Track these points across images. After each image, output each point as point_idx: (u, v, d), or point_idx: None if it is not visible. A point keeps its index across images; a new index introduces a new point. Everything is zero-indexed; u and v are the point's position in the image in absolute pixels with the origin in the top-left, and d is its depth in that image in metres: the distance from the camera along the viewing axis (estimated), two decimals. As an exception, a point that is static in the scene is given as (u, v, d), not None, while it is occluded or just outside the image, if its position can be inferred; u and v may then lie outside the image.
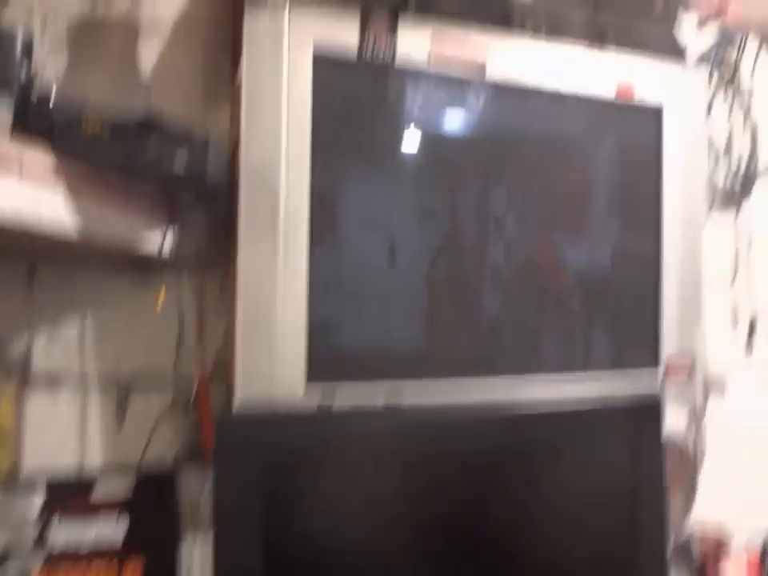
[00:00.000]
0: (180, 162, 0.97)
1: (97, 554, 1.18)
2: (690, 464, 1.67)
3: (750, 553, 1.70)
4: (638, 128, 1.41)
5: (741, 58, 1.71)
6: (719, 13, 1.55)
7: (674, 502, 1.64)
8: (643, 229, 1.42)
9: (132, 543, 1.19)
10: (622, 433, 1.05)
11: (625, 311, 1.39)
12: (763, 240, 1.76)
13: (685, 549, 1.59)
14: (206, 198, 1.16)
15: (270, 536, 0.82)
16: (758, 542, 1.76)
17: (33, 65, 0.97)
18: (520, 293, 1.31)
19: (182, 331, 1.25)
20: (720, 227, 1.73)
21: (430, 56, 1.20)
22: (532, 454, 1.01)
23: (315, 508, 0.86)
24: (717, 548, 1.60)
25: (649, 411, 1.06)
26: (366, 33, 1.11)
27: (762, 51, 1.73)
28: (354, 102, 1.20)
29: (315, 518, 0.86)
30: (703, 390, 1.66)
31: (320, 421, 0.96)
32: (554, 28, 1.31)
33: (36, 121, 0.92)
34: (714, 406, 1.71)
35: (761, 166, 1.73)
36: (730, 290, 1.74)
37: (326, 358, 1.15)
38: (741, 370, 1.77)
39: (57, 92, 1.00)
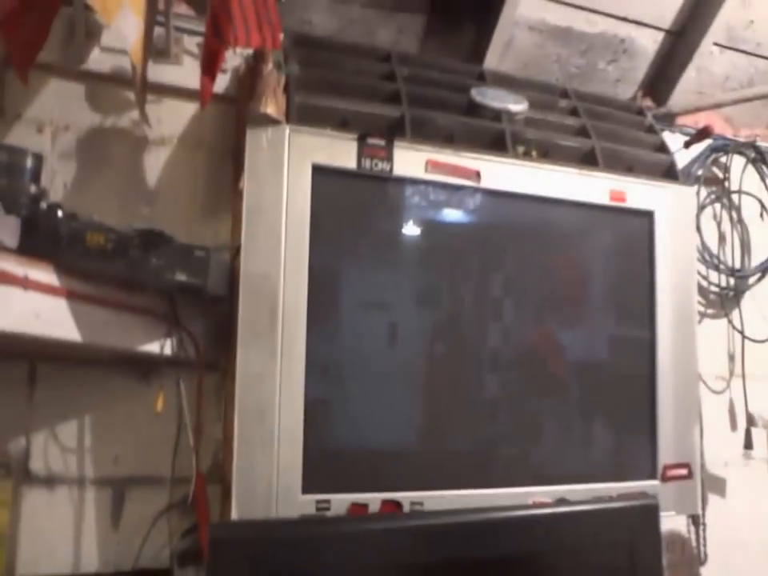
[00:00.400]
0: (181, 273, 1.00)
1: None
2: (693, 561, 1.64)
3: None
4: (631, 229, 1.44)
5: (728, 171, 1.78)
6: (706, 132, 1.62)
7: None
8: (638, 325, 1.43)
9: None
10: (620, 535, 1.03)
11: (621, 418, 1.40)
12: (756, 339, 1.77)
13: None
14: (206, 305, 1.19)
15: None
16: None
17: (41, 180, 1.01)
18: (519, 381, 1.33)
19: (180, 433, 1.26)
20: (714, 329, 1.77)
21: (426, 166, 1.25)
22: (530, 557, 0.99)
23: None
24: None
25: (646, 514, 1.04)
26: (363, 153, 1.16)
27: (748, 166, 1.79)
28: (352, 206, 1.24)
29: None
30: (702, 490, 1.64)
31: (314, 528, 0.95)
32: (544, 153, 1.36)
33: (43, 235, 0.95)
34: (714, 505, 1.69)
35: (752, 270, 1.77)
36: (727, 390, 1.75)
37: (323, 469, 1.15)
38: (740, 469, 1.75)
39: (64, 203, 1.04)
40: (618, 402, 1.40)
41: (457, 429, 1.28)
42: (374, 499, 1.15)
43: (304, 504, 1.11)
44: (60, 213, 0.99)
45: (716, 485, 1.69)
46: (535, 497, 1.22)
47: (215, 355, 1.28)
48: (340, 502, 1.13)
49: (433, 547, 0.93)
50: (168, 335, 1.12)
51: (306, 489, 1.12)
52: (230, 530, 0.88)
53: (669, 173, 1.49)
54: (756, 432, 1.71)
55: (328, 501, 1.12)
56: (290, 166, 1.15)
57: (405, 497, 1.16)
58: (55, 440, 1.25)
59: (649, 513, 1.06)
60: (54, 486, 1.23)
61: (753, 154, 1.79)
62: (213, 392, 1.29)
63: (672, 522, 1.62)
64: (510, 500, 1.19)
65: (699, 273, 1.69)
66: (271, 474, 1.12)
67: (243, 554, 0.83)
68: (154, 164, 1.32)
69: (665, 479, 1.41)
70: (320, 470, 1.14)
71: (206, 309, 1.22)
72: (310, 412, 1.12)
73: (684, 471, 1.44)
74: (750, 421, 1.71)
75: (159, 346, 1.14)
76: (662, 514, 1.43)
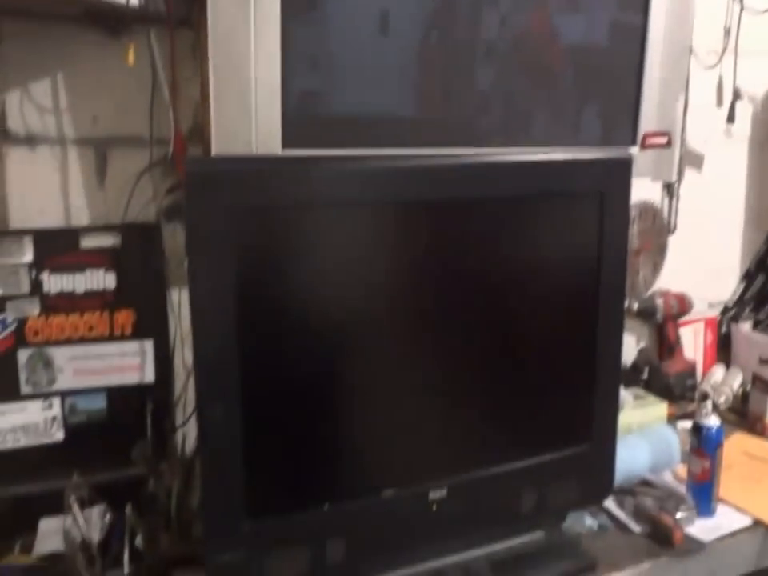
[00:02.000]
0: None
1: (89, 305, 1.26)
2: (662, 230, 1.73)
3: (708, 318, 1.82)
4: None
5: None
6: None
7: (644, 265, 1.72)
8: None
9: (122, 297, 1.27)
10: (592, 187, 1.07)
11: (609, 86, 1.37)
12: (755, 12, 1.68)
13: (649, 309, 1.70)
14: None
15: (244, 280, 0.87)
16: (716, 311, 1.87)
17: None
18: (512, 64, 1.28)
19: (155, 90, 1.24)
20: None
21: None
22: (505, 202, 1.02)
23: (288, 254, 0.90)
24: (678, 310, 1.71)
25: (619, 167, 1.07)
26: None
27: None
28: None
29: (288, 264, 0.91)
30: (681, 164, 1.68)
31: (294, 165, 0.93)
32: None
33: None
34: (690, 179, 1.74)
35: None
36: (718, 66, 1.70)
37: (304, 122, 1.14)
38: (720, 147, 1.77)
39: None
40: (608, 81, 1.37)
41: (449, 119, 1.25)
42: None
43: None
44: None
45: (694, 159, 1.73)
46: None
47: (187, 11, 1.21)
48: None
49: (416, 188, 0.95)
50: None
51: (287, 144, 1.13)
52: (206, 164, 0.90)
53: None
54: (740, 107, 1.70)
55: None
56: None
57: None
58: (30, 99, 1.22)
59: (621, 166, 1.08)
60: (35, 145, 1.23)
61: None
62: (188, 49, 1.24)
63: (646, 192, 1.68)
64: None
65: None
66: (250, 129, 1.11)
67: (221, 189, 0.85)
68: None
69: (644, 146, 1.43)
70: (302, 126, 1.13)
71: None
72: (289, 64, 1.09)
73: (663, 140, 1.45)
74: (736, 95, 1.69)
75: (125, -3, 1.07)
76: (638, 179, 1.49)
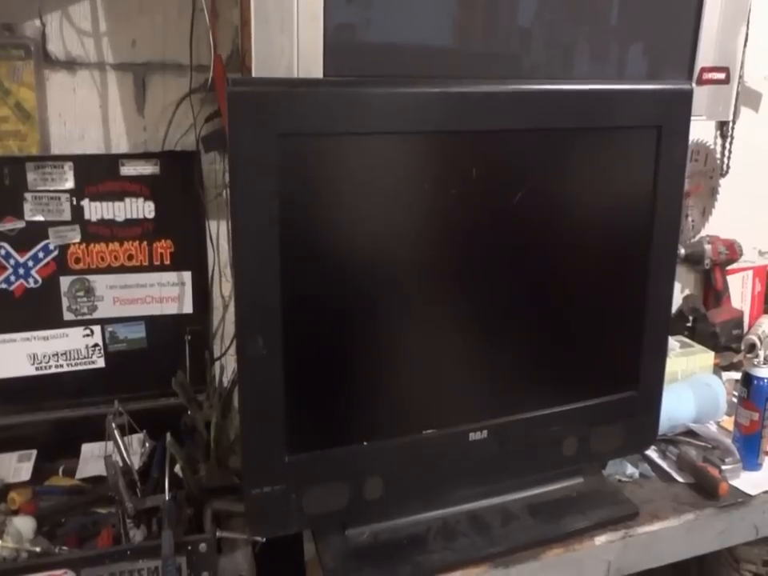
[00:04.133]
0: None
1: (128, 234, 1.25)
2: (714, 172, 1.66)
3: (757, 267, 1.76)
4: None
5: None
6: None
7: (693, 208, 1.66)
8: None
9: (161, 226, 1.26)
10: (649, 119, 1.01)
11: (662, 18, 1.29)
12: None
13: (697, 254, 1.65)
14: None
15: (286, 209, 0.83)
16: (766, 260, 1.81)
17: None
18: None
19: (195, 15, 1.19)
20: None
21: None
22: (557, 134, 0.97)
23: (332, 184, 0.87)
24: (727, 257, 1.65)
25: (678, 99, 1.01)
26: None
27: None
28: None
29: (331, 195, 0.87)
30: (737, 103, 1.59)
31: (342, 87, 0.89)
32: None
33: None
34: (745, 119, 1.65)
35: None
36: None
37: (345, 50, 1.10)
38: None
39: None
40: (661, 13, 1.29)
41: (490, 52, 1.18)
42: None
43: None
44: None
45: (751, 98, 1.64)
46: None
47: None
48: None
49: (465, 116, 0.90)
50: None
51: (328, 72, 1.08)
52: (251, 84, 0.86)
53: None
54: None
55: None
56: None
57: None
58: (70, 23, 1.19)
59: (681, 97, 1.02)
60: (75, 70, 1.21)
61: None
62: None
63: (698, 131, 1.60)
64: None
65: None
66: (292, 54, 1.07)
67: (265, 111, 0.81)
68: None
69: (701, 82, 1.35)
70: (343, 54, 1.07)
71: None
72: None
73: (722, 75, 1.37)
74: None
75: None
76: (694, 117, 1.42)
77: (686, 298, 1.66)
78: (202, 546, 0.99)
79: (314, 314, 0.90)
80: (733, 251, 1.66)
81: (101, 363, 1.27)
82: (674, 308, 1.63)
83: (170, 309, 1.30)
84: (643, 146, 1.02)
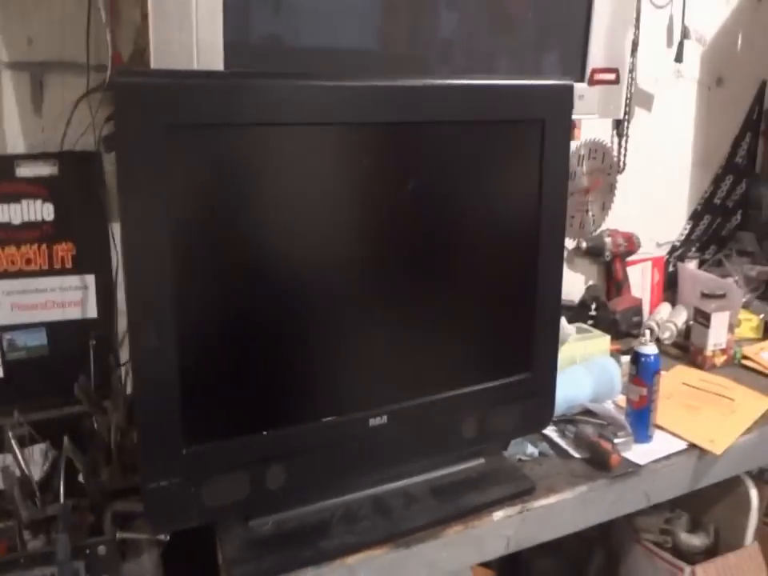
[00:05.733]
0: None
1: (26, 237, 1.22)
2: (612, 169, 1.74)
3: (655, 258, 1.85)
4: None
5: None
6: None
7: (593, 203, 1.74)
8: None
9: (61, 229, 1.24)
10: (533, 113, 1.06)
11: (564, 26, 1.37)
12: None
13: (597, 247, 1.72)
14: None
15: (179, 203, 0.84)
16: (664, 251, 1.90)
17: None
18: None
19: (92, 11, 1.19)
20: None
21: None
22: (444, 127, 0.99)
23: (222, 175, 0.88)
24: (626, 248, 1.73)
25: (559, 93, 1.06)
26: None
27: None
28: None
29: (221, 186, 0.88)
30: (631, 103, 1.68)
31: (229, 79, 0.90)
32: None
33: None
34: (639, 119, 1.74)
35: None
36: (669, 5, 1.69)
37: (247, 48, 1.11)
38: (670, 87, 1.77)
39: None
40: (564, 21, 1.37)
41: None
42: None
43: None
44: None
45: (644, 99, 1.73)
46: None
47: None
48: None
49: (357, 109, 0.93)
50: None
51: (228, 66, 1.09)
52: (135, 76, 0.86)
53: None
54: (689, 46, 1.70)
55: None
56: None
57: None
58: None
59: (562, 91, 1.07)
60: (-32, 69, 1.19)
61: None
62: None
63: (598, 131, 1.68)
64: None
65: None
66: (191, 54, 1.08)
67: (154, 103, 0.81)
68: None
69: (592, 83, 1.43)
70: (245, 52, 1.10)
71: None
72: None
73: (612, 76, 1.45)
74: (684, 34, 1.69)
75: None
76: (587, 116, 1.49)
77: (588, 288, 1.73)
78: (101, 549, 0.98)
79: (207, 303, 0.90)
80: (631, 243, 1.75)
81: (-1, 373, 1.24)
82: (578, 298, 1.70)
83: (73, 314, 1.28)
84: (529, 138, 1.06)
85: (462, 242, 1.07)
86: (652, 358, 1.23)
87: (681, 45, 1.68)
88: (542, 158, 1.07)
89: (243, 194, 0.90)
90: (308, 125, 0.92)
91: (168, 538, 1.02)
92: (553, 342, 1.16)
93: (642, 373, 1.23)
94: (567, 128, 1.09)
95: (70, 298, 1.27)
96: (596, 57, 1.43)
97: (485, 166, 1.06)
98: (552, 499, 1.10)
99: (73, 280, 1.27)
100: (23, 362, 1.25)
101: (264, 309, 0.95)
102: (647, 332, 1.66)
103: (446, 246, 1.06)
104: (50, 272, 1.25)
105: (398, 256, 1.02)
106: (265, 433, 0.96)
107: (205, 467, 0.93)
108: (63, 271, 1.26)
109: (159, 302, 0.86)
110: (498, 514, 1.06)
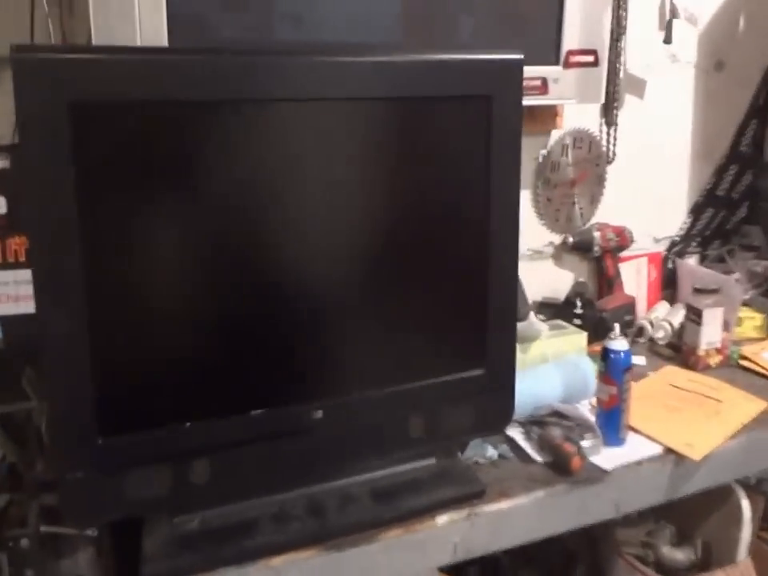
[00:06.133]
0: None
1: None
2: (600, 159, 1.66)
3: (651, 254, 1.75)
4: None
5: None
6: None
7: (581, 196, 1.66)
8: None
9: (14, 222, 1.21)
10: (479, 89, 0.99)
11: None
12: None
13: (585, 242, 1.63)
14: None
15: (82, 177, 0.80)
16: (662, 247, 1.81)
17: None
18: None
19: (34, 5, 1.17)
20: None
21: None
22: (391, 104, 0.94)
23: (127, 152, 0.83)
24: (617, 243, 1.64)
25: (508, 69, 0.99)
26: None
27: None
28: None
29: (127, 162, 0.84)
30: (619, 89, 1.60)
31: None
32: None
33: None
34: (631, 107, 1.66)
35: None
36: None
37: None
38: (664, 73, 1.69)
39: None
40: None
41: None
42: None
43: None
44: None
45: (635, 85, 1.64)
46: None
47: None
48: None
49: (287, 84, 0.88)
50: None
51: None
52: (35, 51, 0.82)
53: None
54: (680, 26, 1.61)
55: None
56: None
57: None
58: None
59: (510, 66, 1.01)
60: None
61: None
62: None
63: (582, 119, 1.60)
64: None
65: None
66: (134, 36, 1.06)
67: (52, 77, 0.77)
68: None
69: (567, 65, 1.36)
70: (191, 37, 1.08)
71: None
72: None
73: (590, 58, 1.38)
74: (673, 13, 1.60)
75: None
76: (562, 101, 1.42)
77: (574, 285, 1.64)
78: (24, 542, 0.95)
79: (121, 283, 0.86)
80: (623, 238, 1.66)
81: (-48, 368, 1.22)
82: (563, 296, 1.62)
83: (28, 308, 1.26)
84: (474, 116, 1.00)
85: (409, 225, 1.01)
86: (622, 354, 1.14)
87: (669, 24, 1.58)
88: (489, 138, 1.00)
89: (154, 173, 0.86)
90: (226, 102, 0.87)
91: (96, 533, 0.99)
92: (508, 335, 1.09)
93: (611, 370, 1.15)
94: (517, 106, 1.02)
95: (23, 291, 1.25)
96: (572, 38, 1.36)
97: (433, 142, 1.00)
98: (504, 504, 1.02)
99: (26, 274, 1.25)
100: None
101: (186, 288, 0.91)
102: (645, 333, 1.59)
103: (394, 229, 1.00)
104: (4, 265, 1.23)
105: (338, 235, 0.97)
106: (188, 424, 0.92)
107: (123, 459, 0.89)
108: (17, 264, 1.24)
109: (68, 284, 0.82)
110: (443, 518, 0.99)
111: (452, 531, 1.00)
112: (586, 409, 1.26)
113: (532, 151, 1.58)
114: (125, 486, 0.89)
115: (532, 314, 1.33)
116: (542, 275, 1.65)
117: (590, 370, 1.27)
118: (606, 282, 1.66)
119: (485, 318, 1.05)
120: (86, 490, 0.87)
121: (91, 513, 0.90)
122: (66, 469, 0.87)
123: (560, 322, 1.44)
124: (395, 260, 1.01)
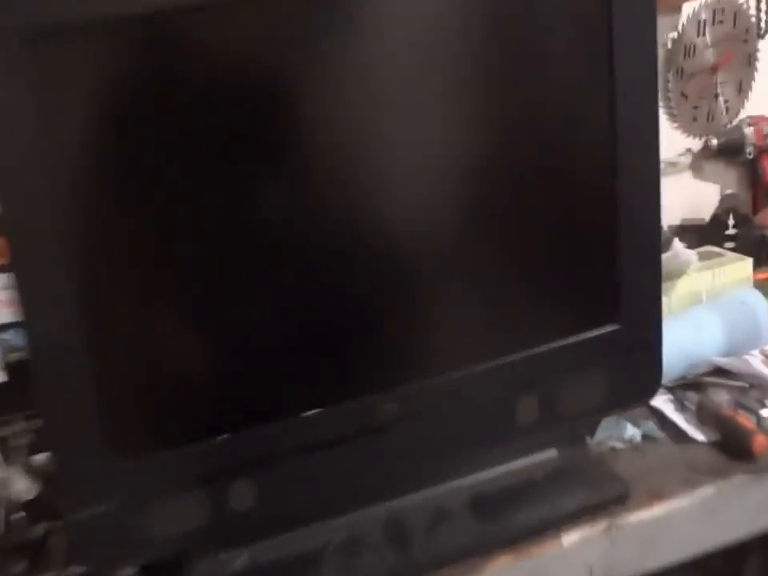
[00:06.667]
0: None
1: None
2: (749, 34, 1.32)
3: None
4: None
5: None
6: None
7: (725, 85, 1.33)
8: None
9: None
10: None
11: None
12: None
13: (735, 142, 1.32)
14: None
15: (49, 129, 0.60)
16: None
17: None
18: None
19: None
20: None
21: None
22: None
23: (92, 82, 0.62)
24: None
25: None
26: None
27: None
28: None
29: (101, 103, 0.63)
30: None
31: None
32: None
33: None
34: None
35: None
36: None
37: None
38: None
39: None
40: None
41: None
42: None
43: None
44: None
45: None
46: None
47: None
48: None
49: None
50: None
51: None
52: None
53: None
54: None
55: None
56: None
57: None
58: None
59: None
60: None
61: None
62: None
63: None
64: None
65: None
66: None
67: None
68: None
69: None
70: None
71: None
72: None
73: None
74: None
75: None
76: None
77: (722, 200, 1.32)
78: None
79: (115, 258, 0.65)
80: (784, 131, 1.31)
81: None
82: (710, 215, 1.30)
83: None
84: None
85: (509, 137, 0.73)
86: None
87: None
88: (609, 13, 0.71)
89: (126, 106, 0.62)
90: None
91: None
92: (652, 275, 0.79)
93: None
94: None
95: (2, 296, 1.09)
96: None
97: (537, 37, 0.71)
98: (657, 509, 0.74)
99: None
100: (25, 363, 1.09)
101: (218, 255, 0.67)
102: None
103: (489, 143, 0.73)
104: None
105: (426, 166, 0.70)
106: (224, 437, 0.70)
107: (143, 487, 0.69)
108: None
109: (55, 271, 0.62)
110: (571, 536, 0.72)
111: (585, 552, 0.73)
112: (759, 361, 0.95)
113: (658, 36, 1.26)
114: (149, 522, 0.69)
115: (676, 240, 1.02)
116: (679, 192, 1.33)
117: (762, 306, 0.96)
118: (764, 190, 1.33)
119: (616, 254, 0.76)
120: (99, 530, 0.68)
121: (108, 559, 0.71)
122: (71, 506, 0.67)
123: (711, 247, 1.13)
124: (497, 186, 0.73)
